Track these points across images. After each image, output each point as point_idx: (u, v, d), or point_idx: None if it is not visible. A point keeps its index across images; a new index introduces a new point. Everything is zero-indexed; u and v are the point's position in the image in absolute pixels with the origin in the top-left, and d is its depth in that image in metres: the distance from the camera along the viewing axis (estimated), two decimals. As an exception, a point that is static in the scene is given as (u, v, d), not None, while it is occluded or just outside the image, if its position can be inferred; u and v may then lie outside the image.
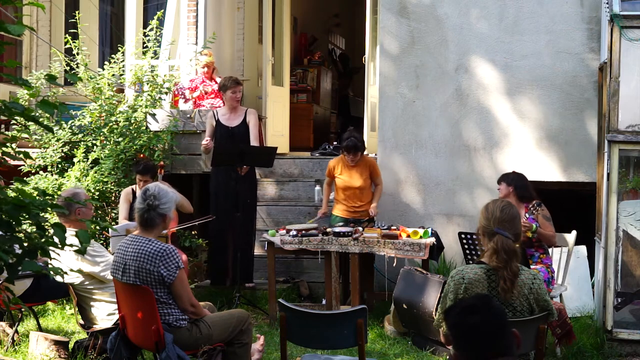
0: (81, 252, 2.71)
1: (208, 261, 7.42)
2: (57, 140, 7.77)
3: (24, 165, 7.64)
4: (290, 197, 8.15)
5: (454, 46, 7.35)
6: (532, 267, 5.58)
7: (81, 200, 4.78)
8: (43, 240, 2.49)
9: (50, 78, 2.51)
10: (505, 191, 5.89)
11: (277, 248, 6.42)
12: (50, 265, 2.73)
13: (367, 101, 9.35)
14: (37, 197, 2.63)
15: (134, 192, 6.88)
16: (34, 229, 2.55)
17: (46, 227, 2.59)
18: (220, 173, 7.13)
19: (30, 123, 7.20)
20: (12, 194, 2.73)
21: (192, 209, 6.85)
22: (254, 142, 7.13)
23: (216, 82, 8.76)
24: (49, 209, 2.62)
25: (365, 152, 7.12)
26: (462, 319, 2.59)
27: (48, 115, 7.78)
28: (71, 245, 2.73)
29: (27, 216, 2.49)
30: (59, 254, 2.59)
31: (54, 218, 5.58)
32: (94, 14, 9.85)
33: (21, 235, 2.51)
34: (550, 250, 5.96)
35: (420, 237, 6.26)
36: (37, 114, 7.81)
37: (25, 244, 2.50)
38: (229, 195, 6.99)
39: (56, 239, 2.52)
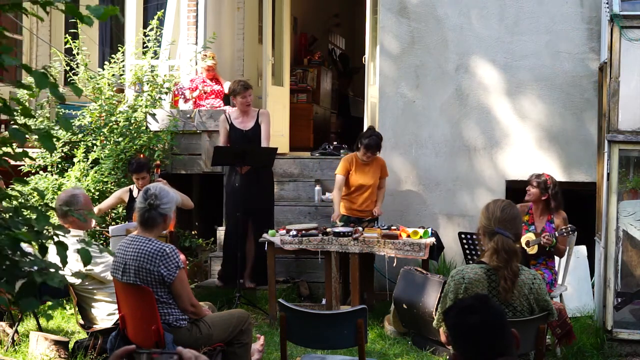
0: (84, 263, 2.69)
1: (222, 262, 7.37)
2: (57, 140, 7.76)
3: (24, 165, 7.64)
4: (290, 197, 8.15)
5: (454, 46, 7.34)
6: (534, 269, 5.58)
7: (79, 204, 4.80)
8: (44, 273, 2.45)
9: (53, 87, 2.50)
10: (537, 195, 5.80)
11: (277, 248, 6.42)
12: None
13: (367, 101, 9.34)
14: (38, 206, 2.60)
15: (131, 193, 6.85)
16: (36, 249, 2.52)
17: (48, 236, 2.54)
18: (235, 173, 7.08)
19: (30, 122, 7.19)
20: (12, 194, 2.72)
21: (192, 204, 6.83)
22: (264, 143, 7.13)
23: (217, 83, 8.77)
24: (49, 212, 2.60)
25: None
26: (461, 319, 2.59)
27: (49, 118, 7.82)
28: (77, 258, 2.71)
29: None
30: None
31: (54, 218, 5.57)
32: (94, 14, 9.82)
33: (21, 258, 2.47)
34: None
35: (420, 237, 6.26)
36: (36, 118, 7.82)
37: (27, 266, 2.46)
38: (244, 196, 6.94)
39: (57, 259, 2.50)
